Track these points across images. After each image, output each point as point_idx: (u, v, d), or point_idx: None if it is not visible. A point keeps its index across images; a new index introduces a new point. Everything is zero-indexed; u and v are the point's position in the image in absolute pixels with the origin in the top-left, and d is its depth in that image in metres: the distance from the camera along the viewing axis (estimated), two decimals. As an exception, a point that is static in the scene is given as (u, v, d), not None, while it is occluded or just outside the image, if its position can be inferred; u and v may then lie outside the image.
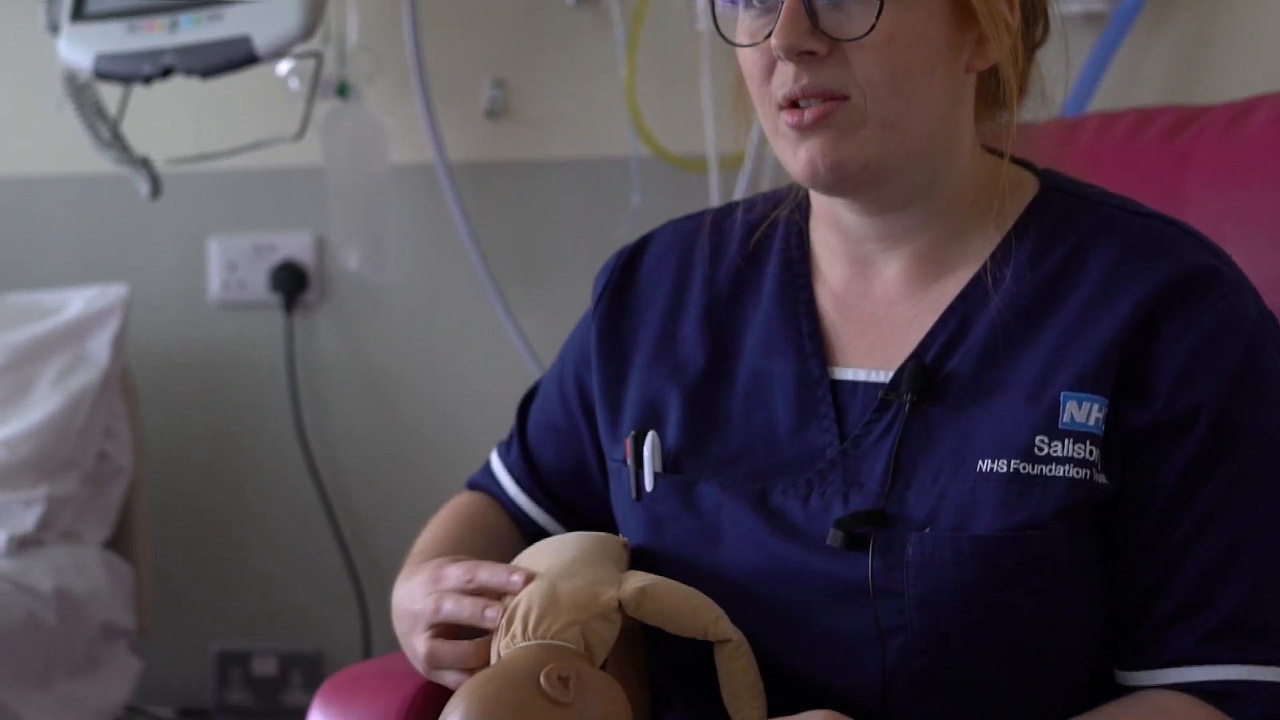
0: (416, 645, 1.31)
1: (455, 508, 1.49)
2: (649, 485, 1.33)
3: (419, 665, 1.32)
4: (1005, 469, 1.23)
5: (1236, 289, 1.26)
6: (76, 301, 2.47)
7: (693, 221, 1.43)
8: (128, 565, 2.43)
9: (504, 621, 1.25)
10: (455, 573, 1.29)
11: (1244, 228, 1.66)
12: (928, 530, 1.22)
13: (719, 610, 1.25)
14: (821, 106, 1.23)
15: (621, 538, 1.35)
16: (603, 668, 1.26)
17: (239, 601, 2.62)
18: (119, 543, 2.45)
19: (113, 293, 2.47)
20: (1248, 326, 1.24)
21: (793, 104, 1.23)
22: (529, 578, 1.26)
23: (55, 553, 2.32)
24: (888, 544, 1.23)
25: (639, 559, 1.34)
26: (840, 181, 1.25)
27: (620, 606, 1.25)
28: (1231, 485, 1.23)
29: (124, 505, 2.46)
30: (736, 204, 1.43)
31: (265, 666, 2.60)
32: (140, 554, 2.47)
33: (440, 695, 1.48)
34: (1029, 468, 1.22)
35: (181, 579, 2.62)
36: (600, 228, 2.44)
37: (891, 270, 1.32)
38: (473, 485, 1.52)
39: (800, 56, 1.22)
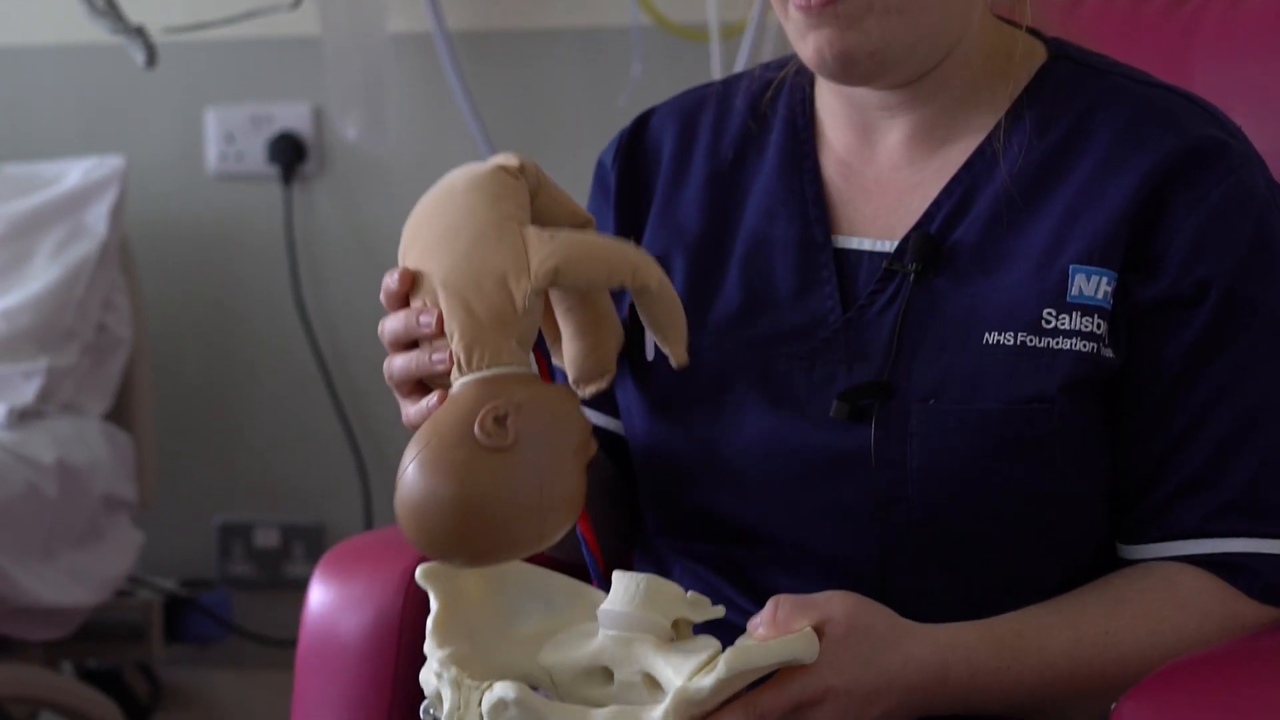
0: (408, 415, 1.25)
1: None
2: (650, 353, 1.32)
3: None
4: (1013, 341, 1.22)
5: (1246, 163, 1.24)
6: (73, 173, 2.46)
7: (697, 92, 1.41)
8: (128, 437, 2.44)
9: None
10: (388, 323, 1.22)
11: (1249, 101, 1.65)
12: (932, 402, 1.22)
13: (635, 258, 1.22)
14: None
15: (513, 158, 1.26)
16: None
17: (240, 474, 2.63)
18: (120, 415, 2.46)
19: (110, 164, 2.45)
20: (1258, 201, 1.23)
21: None
22: (439, 317, 1.18)
23: (56, 424, 2.33)
24: (891, 415, 1.23)
25: (637, 431, 1.33)
26: (847, 70, 1.24)
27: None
28: (1243, 362, 1.22)
29: (124, 377, 2.46)
30: (743, 74, 1.42)
31: (267, 538, 2.61)
32: (141, 426, 2.47)
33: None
34: (1036, 340, 1.22)
35: (183, 451, 2.62)
36: (600, 97, 2.42)
37: (895, 136, 1.31)
38: None
39: None
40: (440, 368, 1.18)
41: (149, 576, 2.56)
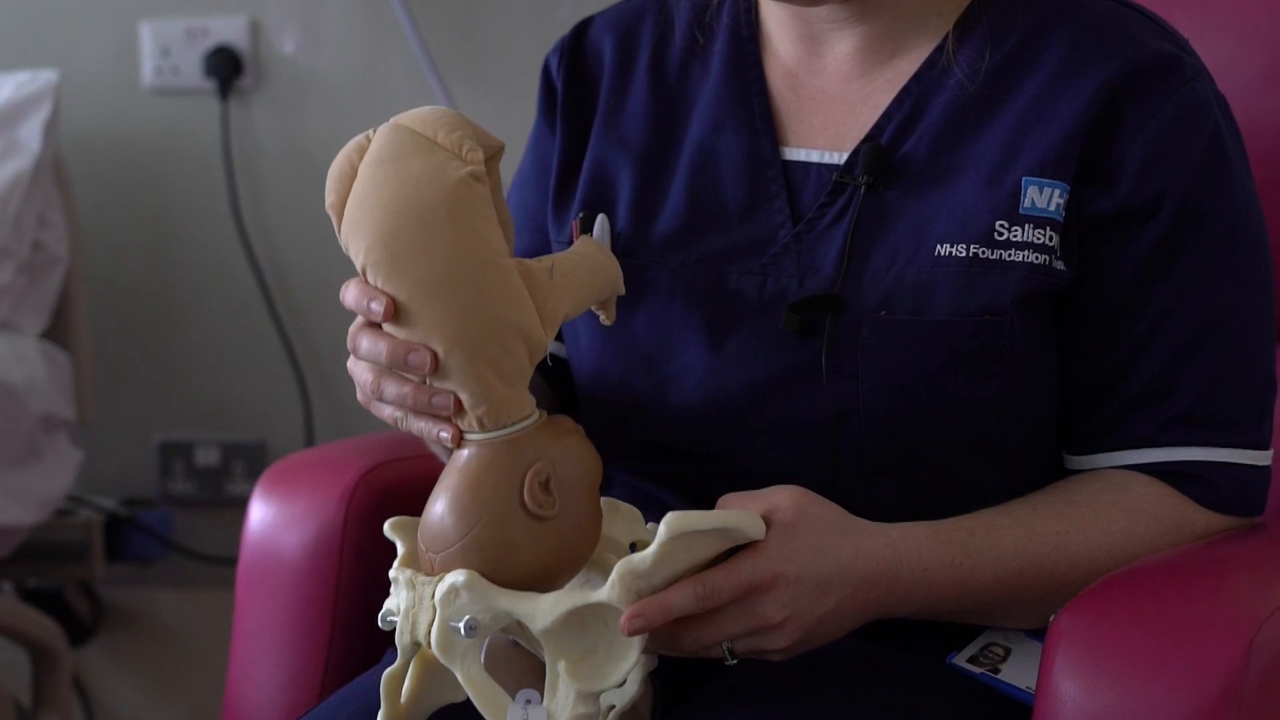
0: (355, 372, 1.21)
1: None
2: None
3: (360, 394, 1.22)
4: (965, 253, 1.22)
5: (1196, 76, 1.25)
6: (5, 87, 2.42)
7: (634, 3, 1.40)
8: (66, 356, 2.41)
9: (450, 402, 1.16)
10: (365, 344, 1.17)
11: (1192, 14, 1.65)
12: (883, 314, 1.22)
13: (614, 270, 1.23)
14: None
15: (475, 149, 1.16)
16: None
17: (180, 392, 2.61)
18: (57, 333, 2.43)
19: (43, 78, 2.41)
20: (1210, 115, 1.24)
21: None
22: (434, 358, 1.13)
23: (-9, 343, 2.30)
24: (842, 328, 1.23)
25: (583, 352, 1.33)
26: None
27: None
28: (1195, 274, 1.23)
29: (61, 295, 2.43)
30: None
31: (208, 457, 2.60)
32: (79, 344, 2.45)
33: (381, 482, 1.49)
34: (988, 253, 1.22)
35: (121, 370, 2.60)
36: (540, 9, 2.40)
37: (844, 48, 1.30)
38: None
39: None
40: (443, 413, 1.15)
41: (89, 495, 2.55)
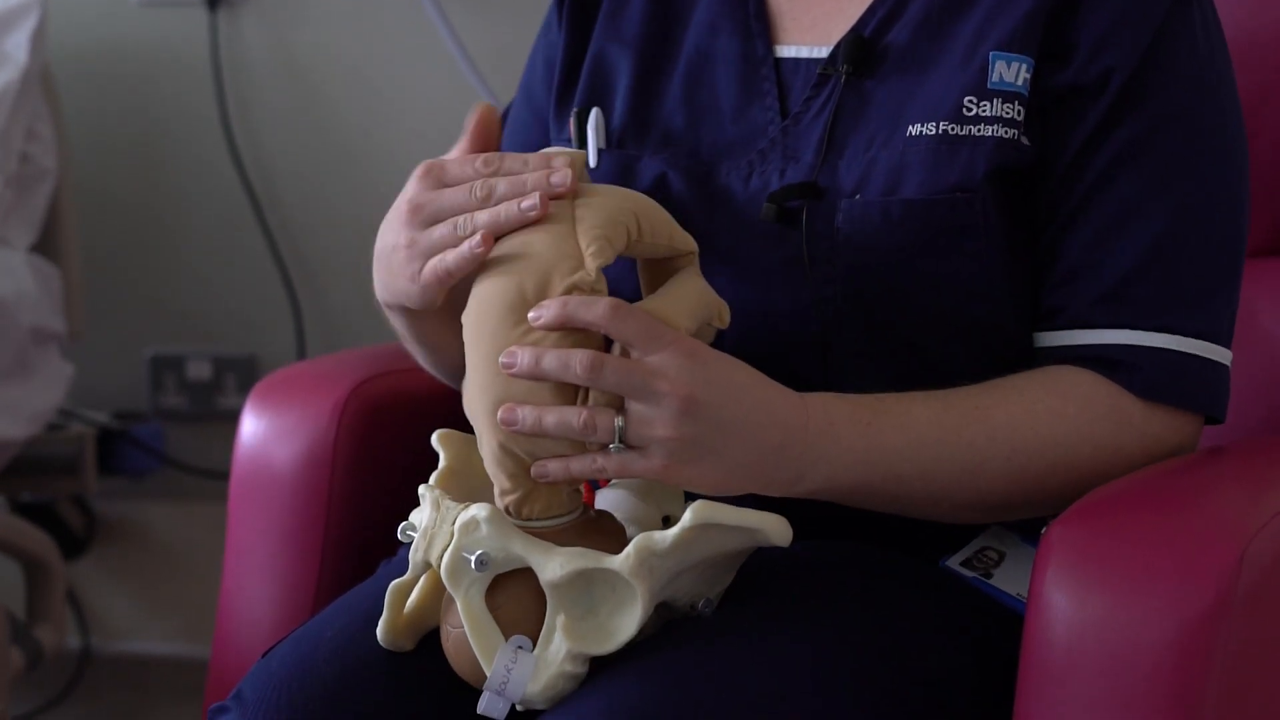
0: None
1: None
2: (592, 162, 1.32)
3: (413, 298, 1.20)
4: (934, 131, 1.22)
5: None
6: (-8, -2, 2.40)
7: None
8: (56, 269, 2.41)
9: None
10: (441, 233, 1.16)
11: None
12: (857, 197, 1.22)
13: (715, 303, 1.19)
14: None
15: (592, 262, 1.15)
16: None
17: (172, 306, 2.60)
18: (46, 246, 2.42)
19: (29, -11, 2.39)
20: None
21: None
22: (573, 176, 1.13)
23: (-20, 257, 2.30)
24: (819, 214, 1.23)
25: None
26: None
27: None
28: (1126, 150, 1.22)
29: (50, 208, 2.42)
30: None
31: (199, 370, 2.60)
32: (69, 258, 2.44)
33: (373, 395, 1.49)
34: (957, 128, 1.22)
35: (112, 283, 2.60)
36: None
37: (838, -51, 1.31)
38: None
39: None
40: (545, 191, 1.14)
41: (80, 409, 2.55)
